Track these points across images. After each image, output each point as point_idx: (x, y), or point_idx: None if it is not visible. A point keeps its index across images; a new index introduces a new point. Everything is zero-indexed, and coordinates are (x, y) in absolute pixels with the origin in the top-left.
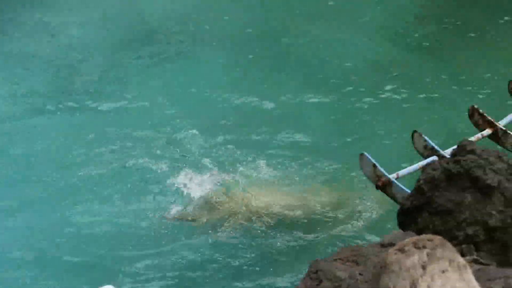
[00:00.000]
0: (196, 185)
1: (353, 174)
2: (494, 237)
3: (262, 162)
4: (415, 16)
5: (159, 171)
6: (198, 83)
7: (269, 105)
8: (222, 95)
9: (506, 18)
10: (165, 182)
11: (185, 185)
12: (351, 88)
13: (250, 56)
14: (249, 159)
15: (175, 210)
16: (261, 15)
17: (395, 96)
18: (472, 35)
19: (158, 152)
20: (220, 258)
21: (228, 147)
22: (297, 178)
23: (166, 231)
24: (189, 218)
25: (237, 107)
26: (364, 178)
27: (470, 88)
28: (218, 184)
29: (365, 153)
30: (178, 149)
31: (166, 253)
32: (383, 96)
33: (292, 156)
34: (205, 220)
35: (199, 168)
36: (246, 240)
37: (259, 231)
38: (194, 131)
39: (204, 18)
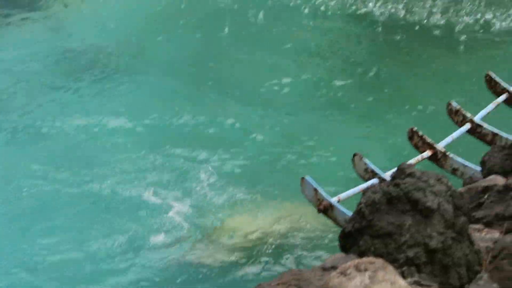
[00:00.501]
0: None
1: (288, 193)
2: (434, 259)
3: (197, 185)
4: (348, 38)
5: (105, 193)
6: (132, 106)
7: (204, 126)
8: (158, 116)
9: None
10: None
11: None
12: (290, 109)
13: (185, 79)
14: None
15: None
16: (198, 38)
17: (335, 118)
18: (408, 58)
19: (103, 173)
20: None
21: (169, 165)
22: (232, 202)
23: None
24: None
25: (176, 127)
26: (306, 201)
27: (410, 110)
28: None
29: (307, 177)
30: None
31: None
32: (322, 119)
33: (226, 181)
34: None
35: (140, 189)
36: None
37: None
38: (131, 153)
39: (138, 43)
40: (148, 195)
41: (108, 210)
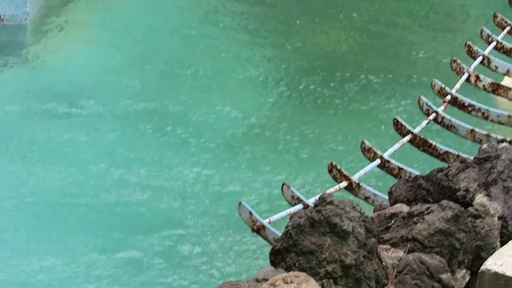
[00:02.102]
0: None
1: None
2: (349, 273)
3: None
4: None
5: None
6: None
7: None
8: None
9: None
10: None
11: None
12: (227, 152)
13: (146, 127)
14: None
15: None
16: (163, 84)
17: (267, 154)
18: (336, 93)
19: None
20: None
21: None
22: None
23: None
24: None
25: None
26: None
27: (331, 146)
28: None
29: (243, 202)
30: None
31: None
32: (256, 154)
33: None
34: None
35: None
36: None
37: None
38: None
39: (107, 83)
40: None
41: None
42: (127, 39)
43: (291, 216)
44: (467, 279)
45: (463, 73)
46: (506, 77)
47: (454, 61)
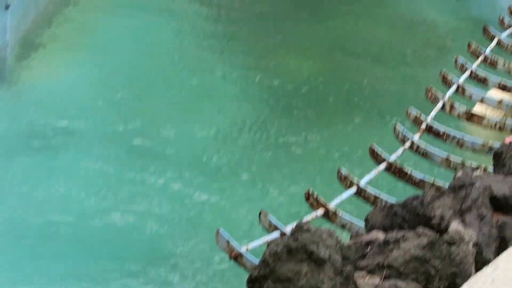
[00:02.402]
0: None
1: None
2: None
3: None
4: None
5: None
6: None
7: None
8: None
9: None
10: None
11: None
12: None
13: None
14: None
15: None
16: (130, 111)
17: (238, 181)
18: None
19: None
20: None
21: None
22: None
23: None
24: None
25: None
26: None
27: (307, 175)
28: None
29: (221, 230)
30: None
31: None
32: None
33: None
34: None
35: None
36: None
37: None
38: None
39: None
40: None
41: None
42: (104, 62)
43: (268, 243)
44: None
45: (438, 102)
46: (478, 104)
47: (429, 89)
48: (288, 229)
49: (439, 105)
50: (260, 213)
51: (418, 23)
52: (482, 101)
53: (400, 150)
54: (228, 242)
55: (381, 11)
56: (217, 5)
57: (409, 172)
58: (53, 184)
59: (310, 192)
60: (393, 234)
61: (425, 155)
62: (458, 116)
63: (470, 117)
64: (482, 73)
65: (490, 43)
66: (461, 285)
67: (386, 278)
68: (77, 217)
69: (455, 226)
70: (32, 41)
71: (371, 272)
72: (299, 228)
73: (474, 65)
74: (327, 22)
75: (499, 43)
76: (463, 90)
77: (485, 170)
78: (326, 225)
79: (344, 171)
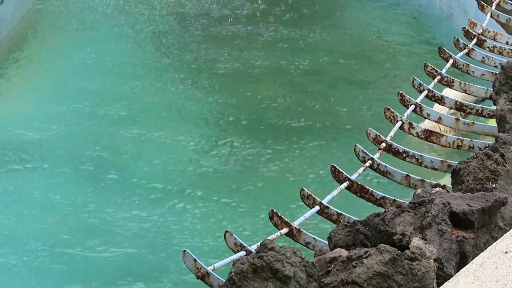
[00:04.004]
0: None
1: None
2: None
3: None
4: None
5: None
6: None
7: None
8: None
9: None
10: None
11: None
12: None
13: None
14: None
15: None
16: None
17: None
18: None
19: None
20: None
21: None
22: None
23: None
24: None
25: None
26: None
27: (270, 195)
28: None
29: (187, 250)
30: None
31: None
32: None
33: None
34: None
35: None
36: None
37: None
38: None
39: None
40: None
41: None
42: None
43: (234, 262)
44: None
45: (397, 121)
46: (426, 121)
47: (388, 109)
48: (254, 248)
49: (398, 124)
50: (225, 233)
51: (377, 44)
52: (439, 119)
53: (361, 169)
54: (195, 261)
55: (340, 34)
56: (173, 28)
57: (370, 190)
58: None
59: (274, 211)
60: (356, 251)
61: (385, 173)
62: (417, 135)
63: (429, 135)
64: (438, 92)
65: (446, 64)
66: None
67: None
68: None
69: (416, 242)
70: None
71: None
72: (264, 247)
73: (431, 85)
74: (290, 46)
75: (454, 63)
76: (421, 109)
77: (444, 187)
78: (291, 244)
79: (306, 191)
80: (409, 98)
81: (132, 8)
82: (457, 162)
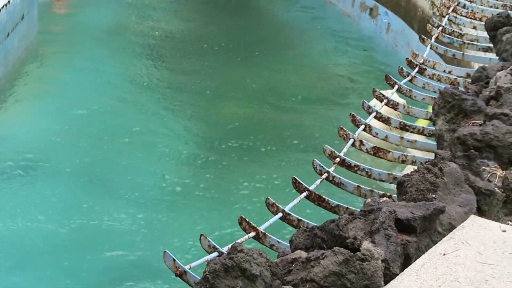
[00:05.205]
0: None
1: None
2: None
3: None
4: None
5: None
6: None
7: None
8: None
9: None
10: None
11: None
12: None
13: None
14: None
15: None
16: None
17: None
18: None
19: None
20: None
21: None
22: None
23: None
24: None
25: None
26: None
27: (240, 204)
28: None
29: (167, 251)
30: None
31: None
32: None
33: None
34: None
35: None
36: None
37: None
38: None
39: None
40: None
41: None
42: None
43: (208, 262)
44: None
45: (349, 139)
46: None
47: (341, 128)
48: (225, 249)
49: (350, 142)
50: (200, 237)
51: (333, 73)
52: (386, 138)
53: (318, 181)
54: (174, 260)
55: (301, 62)
56: (159, 59)
57: (326, 199)
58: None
59: (243, 217)
60: (314, 253)
61: (339, 184)
62: (367, 151)
63: (377, 151)
64: (385, 114)
65: (392, 89)
66: None
67: None
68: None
69: (366, 245)
70: None
71: (296, 285)
72: (234, 249)
73: (378, 108)
74: (258, 73)
75: (399, 89)
76: (370, 128)
77: (390, 197)
78: (257, 246)
79: (271, 200)
80: (360, 119)
81: (117, 35)
82: (401, 175)
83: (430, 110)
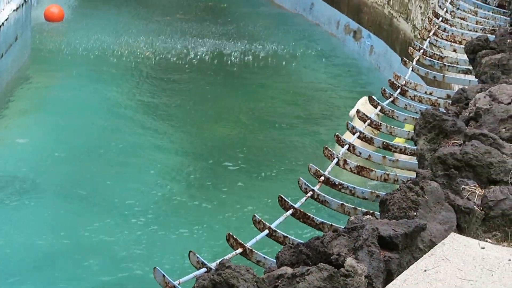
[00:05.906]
0: None
1: None
2: None
3: None
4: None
5: None
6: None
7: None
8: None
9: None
10: None
11: None
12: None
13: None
14: None
15: None
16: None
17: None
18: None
19: None
20: None
21: None
22: None
23: None
24: None
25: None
26: None
27: (228, 218)
28: None
29: (157, 267)
30: None
31: None
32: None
33: None
34: None
35: None
36: None
37: None
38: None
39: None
40: None
41: None
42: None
43: (197, 278)
44: None
45: (334, 158)
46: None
47: (326, 148)
48: (213, 265)
49: (334, 161)
50: (189, 253)
51: (318, 94)
52: (369, 157)
53: (303, 199)
54: (164, 276)
55: (288, 83)
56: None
57: (311, 216)
58: None
59: (231, 234)
60: (300, 269)
61: (324, 202)
62: (351, 170)
63: (360, 170)
64: (368, 134)
65: (375, 110)
66: None
67: None
68: None
69: (350, 261)
70: None
71: None
72: (222, 265)
73: (362, 128)
74: (243, 93)
75: (382, 110)
76: (354, 148)
77: (373, 214)
78: (244, 262)
79: (258, 217)
80: (344, 139)
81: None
82: (384, 193)
83: (407, 128)
